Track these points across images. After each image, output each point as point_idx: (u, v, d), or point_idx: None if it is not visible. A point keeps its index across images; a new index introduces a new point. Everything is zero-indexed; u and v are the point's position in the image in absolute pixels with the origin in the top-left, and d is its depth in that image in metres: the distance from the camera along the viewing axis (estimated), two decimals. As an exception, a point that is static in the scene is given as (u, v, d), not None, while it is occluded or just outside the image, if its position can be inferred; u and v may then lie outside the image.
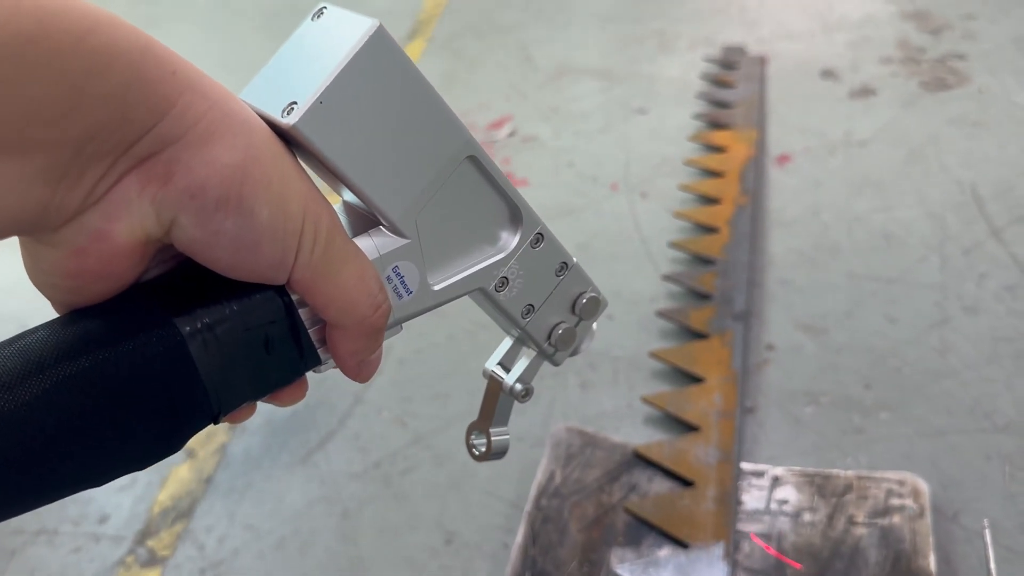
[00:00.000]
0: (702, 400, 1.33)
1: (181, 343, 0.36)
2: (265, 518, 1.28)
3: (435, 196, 0.43)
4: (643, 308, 1.54)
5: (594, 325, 0.54)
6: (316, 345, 0.41)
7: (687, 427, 1.30)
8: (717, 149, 1.89)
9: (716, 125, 1.97)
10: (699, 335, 1.45)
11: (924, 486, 1.17)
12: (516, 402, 0.54)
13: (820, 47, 2.24)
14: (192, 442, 1.41)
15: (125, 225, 0.35)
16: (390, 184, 0.41)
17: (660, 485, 1.22)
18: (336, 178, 0.40)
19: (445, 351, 1.50)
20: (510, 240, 0.47)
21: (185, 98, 0.34)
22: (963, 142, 1.83)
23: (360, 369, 0.43)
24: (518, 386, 0.53)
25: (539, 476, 1.24)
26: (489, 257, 0.47)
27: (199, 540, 1.27)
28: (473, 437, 0.55)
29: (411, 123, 0.40)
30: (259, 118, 0.37)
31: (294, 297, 0.39)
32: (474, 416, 0.56)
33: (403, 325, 0.45)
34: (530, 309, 0.50)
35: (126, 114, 0.33)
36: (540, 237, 0.48)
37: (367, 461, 1.34)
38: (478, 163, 0.44)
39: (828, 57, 2.19)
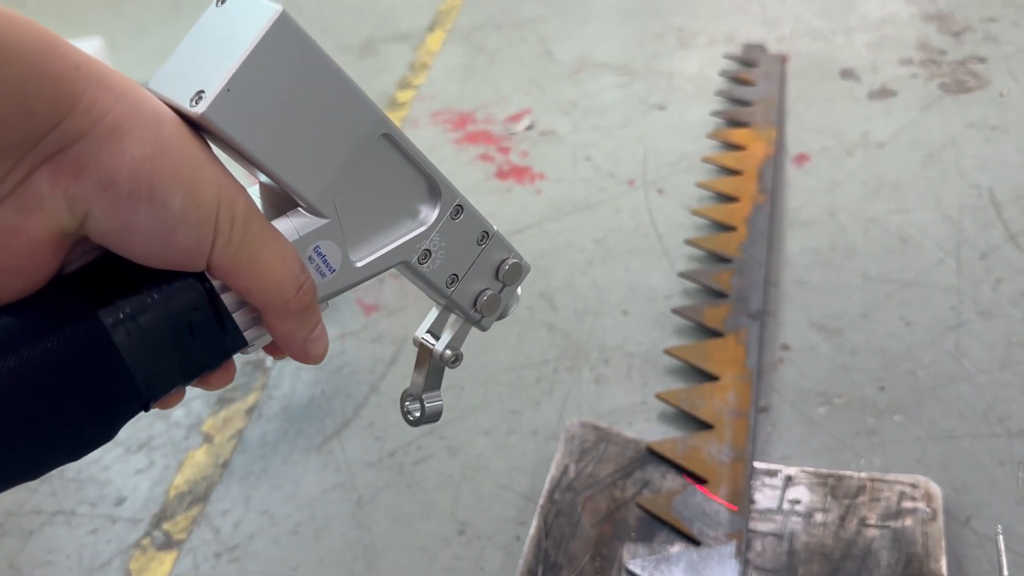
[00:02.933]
0: (716, 398, 1.33)
1: (105, 334, 0.36)
2: (281, 503, 1.29)
3: (352, 175, 0.43)
4: (659, 305, 1.55)
5: (518, 289, 0.55)
6: (242, 328, 0.42)
7: (701, 424, 1.31)
8: (735, 147, 1.89)
9: (735, 123, 1.97)
10: (714, 333, 1.45)
11: (937, 490, 1.17)
12: (448, 368, 0.56)
13: (840, 47, 2.23)
14: (209, 427, 1.42)
15: (39, 219, 0.35)
16: (304, 166, 0.41)
17: (673, 482, 1.23)
18: (249, 163, 0.41)
19: (461, 343, 1.51)
20: (430, 213, 0.48)
21: (91, 93, 0.34)
22: (982, 146, 1.83)
23: (307, 349, 0.44)
24: (447, 352, 0.54)
25: (553, 470, 1.25)
26: (410, 231, 0.48)
27: (215, 524, 1.28)
28: (407, 403, 0.56)
29: (321, 105, 0.41)
30: (167, 108, 0.38)
31: (216, 283, 0.40)
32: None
33: (329, 303, 0.46)
34: (454, 279, 0.51)
35: (29, 109, 0.33)
36: (460, 209, 0.49)
37: (382, 450, 1.35)
38: (393, 140, 0.44)
39: (848, 57, 2.19)
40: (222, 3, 0.40)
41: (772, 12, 2.42)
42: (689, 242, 1.65)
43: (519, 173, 1.94)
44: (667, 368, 1.43)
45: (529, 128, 2.09)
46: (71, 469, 1.37)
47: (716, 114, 2.01)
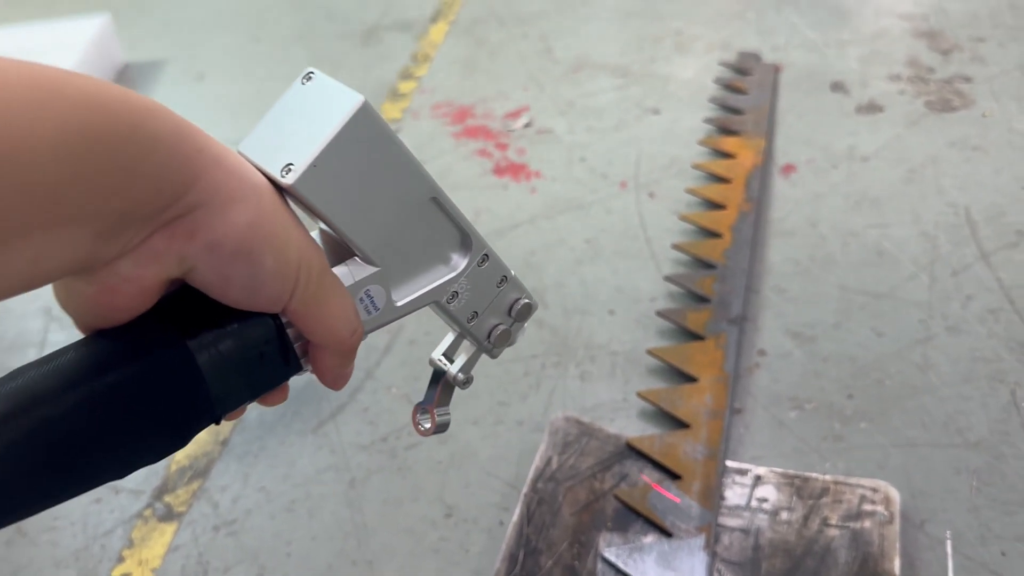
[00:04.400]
0: (694, 399, 1.41)
1: (191, 360, 0.44)
2: (277, 481, 1.36)
3: (401, 231, 0.52)
4: (644, 306, 1.62)
5: (525, 324, 0.64)
6: (299, 356, 0.50)
7: (678, 423, 1.38)
8: (725, 155, 1.95)
9: (726, 131, 2.04)
10: (695, 336, 1.52)
11: (895, 494, 1.25)
12: (459, 389, 0.64)
13: (832, 59, 2.30)
14: (210, 405, 1.48)
15: (153, 271, 0.42)
16: (367, 227, 0.49)
17: (649, 476, 1.30)
18: (324, 223, 0.49)
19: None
20: (461, 261, 0.57)
21: (209, 172, 0.42)
22: (962, 165, 1.90)
23: (336, 380, 0.52)
24: (460, 376, 0.63)
25: (537, 461, 1.32)
26: (443, 276, 0.56)
27: (214, 499, 1.35)
28: (419, 415, 0.65)
29: (387, 178, 0.49)
30: (264, 179, 0.45)
31: (283, 319, 0.48)
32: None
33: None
34: (475, 315, 0.60)
35: (161, 188, 0.40)
36: (486, 257, 0.58)
37: (375, 434, 1.42)
38: (438, 203, 0.53)
39: (839, 70, 2.25)
40: (307, 81, 0.48)
41: (768, 21, 2.48)
42: (676, 246, 1.72)
43: (515, 170, 2.00)
44: (649, 368, 1.50)
45: (527, 126, 2.15)
46: (77, 440, 1.44)
47: (708, 121, 2.08)
